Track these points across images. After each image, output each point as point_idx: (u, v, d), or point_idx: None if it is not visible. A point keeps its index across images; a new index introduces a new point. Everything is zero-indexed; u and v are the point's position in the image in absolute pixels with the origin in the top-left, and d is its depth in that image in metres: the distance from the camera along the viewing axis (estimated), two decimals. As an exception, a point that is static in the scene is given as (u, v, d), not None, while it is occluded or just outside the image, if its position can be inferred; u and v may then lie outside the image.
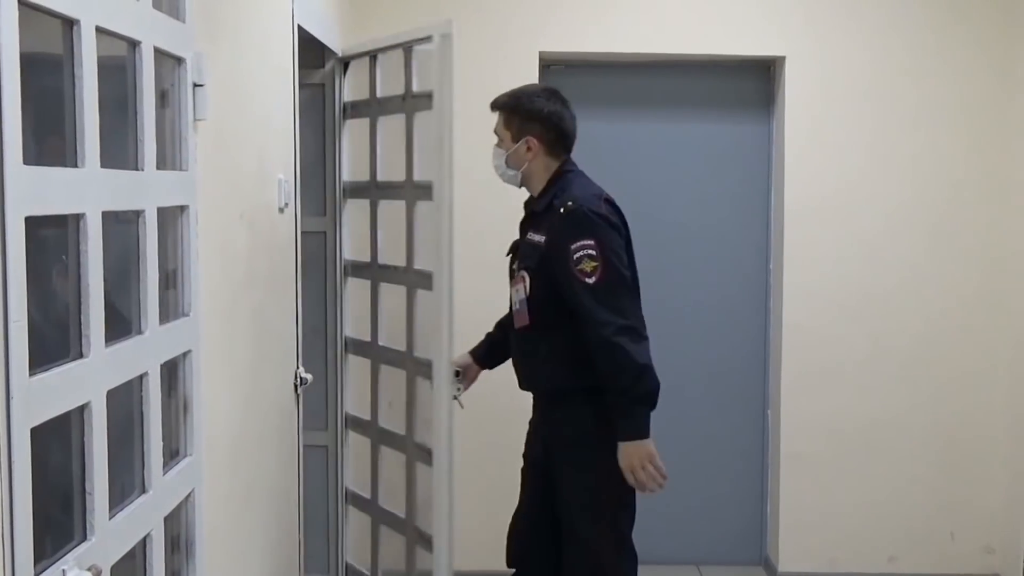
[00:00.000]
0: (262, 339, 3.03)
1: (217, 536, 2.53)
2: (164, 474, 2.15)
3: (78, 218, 1.76)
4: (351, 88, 4.15)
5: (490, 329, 3.71)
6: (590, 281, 3.12)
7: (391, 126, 3.95)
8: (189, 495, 2.31)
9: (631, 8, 4.70)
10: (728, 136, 4.97)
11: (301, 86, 3.56)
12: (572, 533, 3.35)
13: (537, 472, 3.44)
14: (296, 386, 3.46)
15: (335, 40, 4.05)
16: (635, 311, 3.22)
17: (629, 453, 3.16)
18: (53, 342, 1.81)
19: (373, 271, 4.04)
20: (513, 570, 3.55)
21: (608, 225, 3.20)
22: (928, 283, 4.78)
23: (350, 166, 4.16)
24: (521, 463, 3.55)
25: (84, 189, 1.77)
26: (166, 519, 2.18)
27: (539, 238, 3.26)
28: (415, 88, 3.72)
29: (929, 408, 4.81)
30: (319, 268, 4.09)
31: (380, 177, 3.99)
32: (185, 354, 2.29)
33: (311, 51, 3.89)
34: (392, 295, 3.97)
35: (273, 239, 3.17)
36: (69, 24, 1.74)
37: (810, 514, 4.83)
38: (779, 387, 4.83)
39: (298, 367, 3.48)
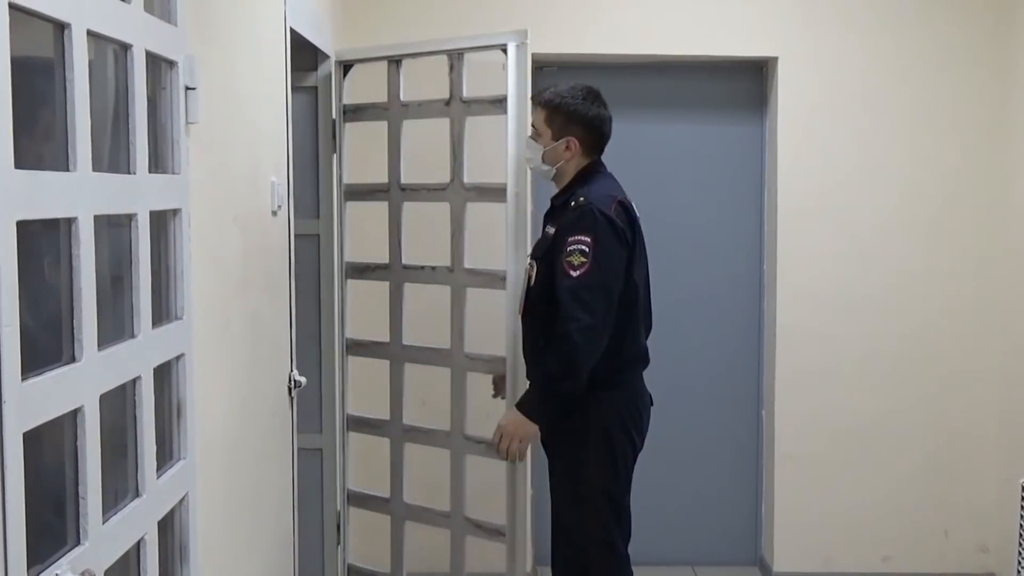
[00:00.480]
0: (256, 342, 3.03)
1: (211, 540, 2.52)
2: (158, 478, 2.15)
3: (70, 222, 1.76)
4: (351, 91, 4.15)
5: None
6: (573, 275, 3.20)
7: (418, 129, 4.03)
8: (183, 499, 2.30)
9: (624, 9, 4.70)
10: (721, 137, 4.98)
11: (294, 89, 3.56)
12: (560, 523, 3.45)
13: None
14: (290, 389, 3.46)
15: (328, 43, 4.05)
16: (606, 318, 3.25)
17: (516, 422, 3.33)
18: (46, 346, 1.81)
19: (395, 272, 4.07)
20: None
21: (611, 227, 3.25)
22: (921, 283, 4.79)
23: (350, 169, 4.17)
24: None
25: (76, 193, 1.77)
26: (160, 523, 2.17)
27: (551, 230, 3.36)
28: (465, 93, 3.81)
29: (923, 407, 4.82)
30: (312, 271, 4.08)
31: (404, 179, 4.02)
32: (178, 357, 2.28)
33: (304, 54, 3.89)
34: (416, 295, 4.08)
35: (266, 242, 3.17)
36: (60, 27, 1.73)
37: (805, 514, 4.84)
38: (773, 387, 4.83)
39: (292, 370, 3.48)
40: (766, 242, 4.93)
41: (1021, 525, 3.83)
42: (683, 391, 4.83)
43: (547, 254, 3.34)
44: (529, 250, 3.63)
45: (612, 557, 3.43)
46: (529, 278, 3.43)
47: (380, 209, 4.15)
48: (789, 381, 4.81)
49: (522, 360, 3.61)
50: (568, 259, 3.21)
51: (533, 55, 4.59)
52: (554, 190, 3.56)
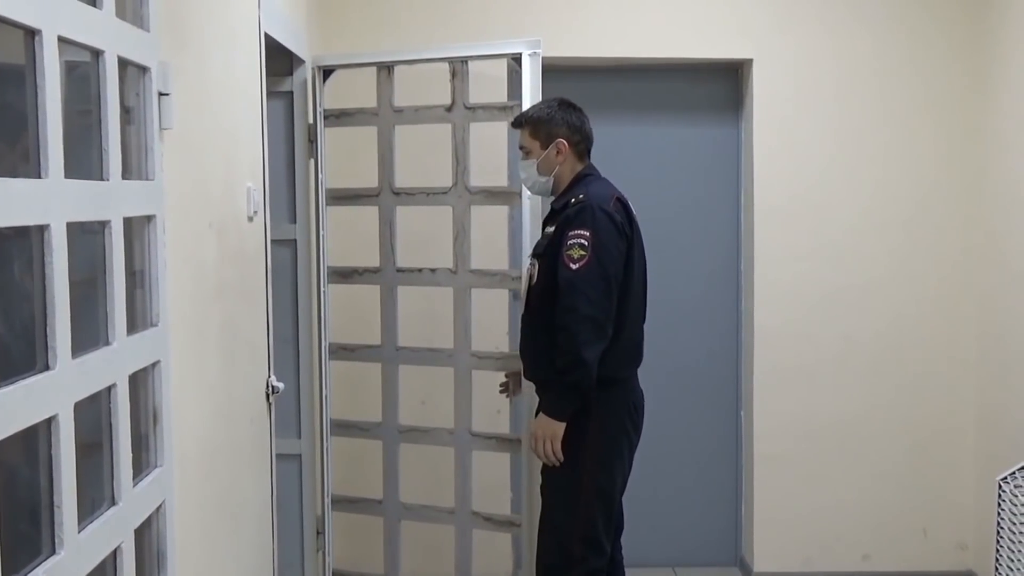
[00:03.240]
0: (233, 348, 3.01)
1: (189, 547, 2.51)
2: (134, 486, 2.14)
3: (42, 229, 1.75)
4: (330, 96, 4.16)
5: None
6: (573, 267, 3.30)
7: (411, 134, 4.11)
8: (160, 507, 2.29)
9: (601, 13, 4.72)
10: (698, 138, 5.00)
11: (269, 94, 3.55)
12: (546, 517, 3.51)
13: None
14: (268, 395, 3.45)
15: (303, 48, 4.04)
16: (606, 308, 3.33)
17: (543, 425, 3.39)
18: (19, 355, 1.79)
19: (387, 275, 4.12)
20: None
21: (610, 222, 3.37)
22: (897, 282, 4.82)
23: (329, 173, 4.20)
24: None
25: (48, 200, 1.76)
26: (137, 531, 2.16)
27: (550, 229, 3.47)
28: (470, 100, 3.92)
29: (900, 406, 4.85)
30: (289, 276, 4.08)
31: (398, 183, 4.08)
32: (154, 364, 2.27)
33: (279, 59, 3.88)
34: (408, 296, 4.17)
35: (242, 248, 3.16)
36: (31, 34, 1.72)
37: (785, 514, 4.85)
38: (752, 387, 4.85)
39: (270, 375, 3.47)
40: (743, 242, 4.95)
41: (999, 522, 3.85)
42: (662, 392, 4.83)
43: (547, 252, 3.43)
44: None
45: (595, 554, 3.46)
46: (531, 277, 3.53)
47: (360, 213, 4.17)
48: (767, 381, 4.83)
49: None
50: (568, 252, 3.32)
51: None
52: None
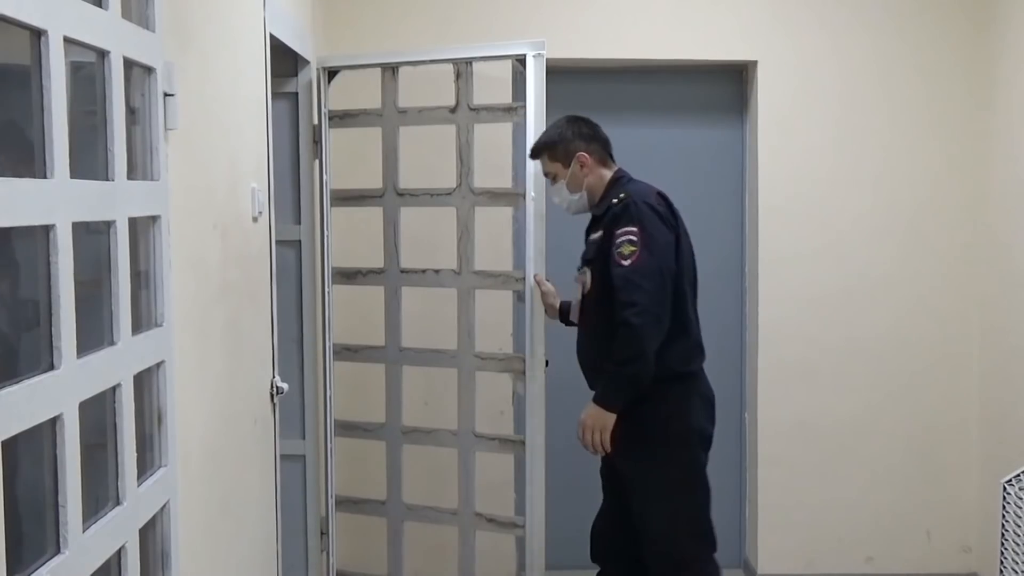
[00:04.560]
0: (237, 348, 3.02)
1: (193, 547, 2.51)
2: (138, 486, 2.14)
3: (48, 229, 1.75)
4: (335, 97, 4.16)
5: None
6: (625, 264, 3.31)
7: (415, 135, 4.12)
8: (164, 506, 2.29)
9: (605, 15, 4.72)
10: (702, 139, 5.00)
11: (274, 95, 3.56)
12: (650, 526, 3.49)
13: (610, 470, 3.62)
14: (272, 395, 3.45)
15: (308, 49, 4.05)
16: (662, 300, 3.35)
17: (593, 415, 3.38)
18: (24, 354, 1.80)
19: (391, 276, 4.13)
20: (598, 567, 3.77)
21: (656, 216, 3.39)
22: (900, 283, 4.82)
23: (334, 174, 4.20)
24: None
25: (53, 200, 1.76)
26: (141, 531, 2.16)
27: (597, 235, 3.48)
28: (474, 101, 3.95)
29: (904, 408, 4.85)
30: (294, 277, 4.08)
31: (403, 184, 4.10)
32: (158, 364, 2.27)
33: (284, 60, 3.88)
34: (411, 298, 4.19)
35: (247, 248, 3.16)
36: (37, 34, 1.73)
37: (788, 516, 4.85)
38: (756, 389, 4.85)
39: (274, 376, 3.47)
40: (747, 243, 4.95)
41: (1004, 525, 3.84)
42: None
43: (597, 257, 3.44)
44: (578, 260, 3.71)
45: (706, 548, 3.53)
46: (583, 284, 3.53)
47: (364, 214, 4.18)
48: (771, 383, 4.83)
49: (541, 353, 3.86)
50: (619, 251, 3.33)
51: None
52: None
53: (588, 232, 3.63)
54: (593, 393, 3.46)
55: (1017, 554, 3.75)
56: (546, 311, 3.88)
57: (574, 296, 3.64)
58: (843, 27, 4.75)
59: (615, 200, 3.44)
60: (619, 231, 3.36)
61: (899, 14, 4.75)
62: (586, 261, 3.54)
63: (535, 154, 3.68)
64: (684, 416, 3.46)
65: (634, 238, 3.32)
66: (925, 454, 4.86)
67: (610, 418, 3.37)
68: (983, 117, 4.72)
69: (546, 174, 3.67)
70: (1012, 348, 4.51)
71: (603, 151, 3.63)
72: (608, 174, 3.61)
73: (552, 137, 3.61)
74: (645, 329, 3.28)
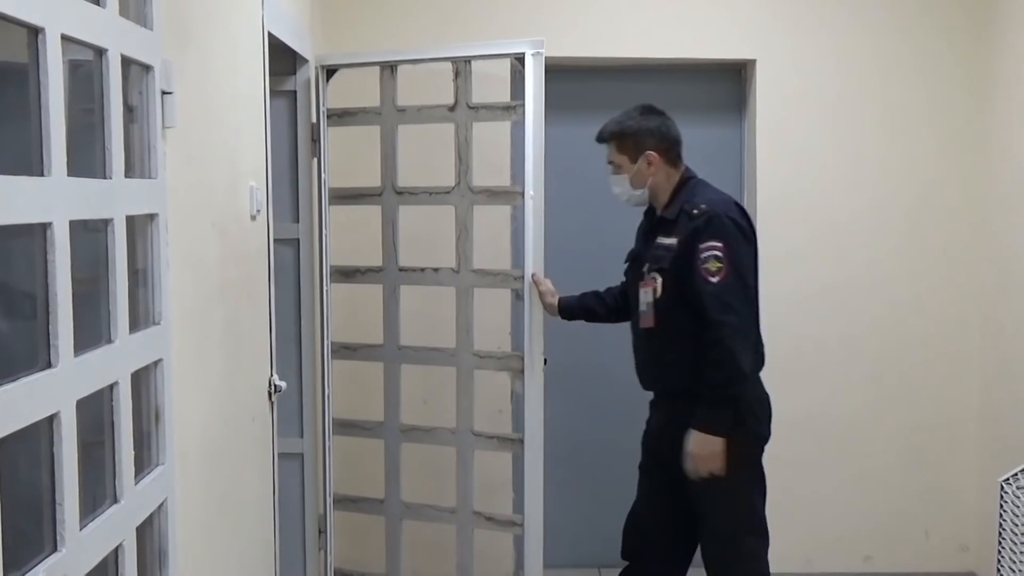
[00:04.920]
0: (235, 346, 3.02)
1: (191, 546, 2.51)
2: (136, 484, 2.14)
3: (45, 227, 1.75)
4: (334, 96, 4.16)
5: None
6: (713, 280, 3.29)
7: (413, 133, 4.11)
8: (162, 505, 2.29)
9: (604, 13, 4.72)
10: (701, 138, 4.96)
11: (272, 93, 3.56)
12: (710, 524, 3.51)
13: (662, 470, 3.57)
14: (270, 394, 3.45)
15: (307, 48, 4.05)
16: (750, 316, 3.41)
17: (700, 444, 3.33)
18: (21, 352, 1.80)
19: (390, 274, 4.13)
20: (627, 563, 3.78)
21: (739, 232, 3.38)
22: (899, 281, 4.82)
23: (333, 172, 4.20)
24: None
25: (51, 198, 1.76)
26: (138, 529, 2.16)
27: (671, 241, 3.42)
28: (473, 99, 3.93)
29: (902, 406, 4.85)
30: (292, 275, 4.08)
31: (401, 183, 4.09)
32: (156, 363, 2.27)
33: (282, 58, 3.88)
34: (410, 296, 4.18)
35: (245, 246, 3.16)
36: (34, 32, 1.73)
37: (785, 515, 4.84)
38: (754, 388, 4.84)
39: (272, 374, 3.47)
40: (746, 243, 4.95)
41: (1001, 524, 3.85)
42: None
43: (674, 265, 3.38)
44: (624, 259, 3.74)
45: (763, 540, 3.56)
46: (654, 290, 3.45)
47: (363, 213, 4.18)
48: (769, 381, 4.79)
49: (540, 352, 3.85)
50: (705, 266, 3.30)
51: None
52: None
53: (650, 232, 3.57)
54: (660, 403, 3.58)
55: (1015, 552, 3.75)
56: (545, 309, 3.88)
57: (640, 299, 3.51)
58: (842, 26, 4.75)
59: (695, 211, 3.38)
60: (703, 245, 3.32)
61: (898, 13, 4.75)
62: (660, 268, 3.44)
63: (601, 139, 3.57)
64: (750, 419, 3.47)
65: (720, 254, 3.30)
66: (923, 453, 4.87)
67: (718, 443, 3.33)
68: (982, 116, 4.73)
69: (610, 162, 3.57)
70: (1010, 346, 4.51)
71: (674, 150, 3.54)
72: (676, 174, 3.54)
73: (625, 128, 3.52)
74: (738, 349, 3.30)
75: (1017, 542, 3.74)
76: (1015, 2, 4.48)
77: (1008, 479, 3.83)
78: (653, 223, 3.58)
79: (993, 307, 4.68)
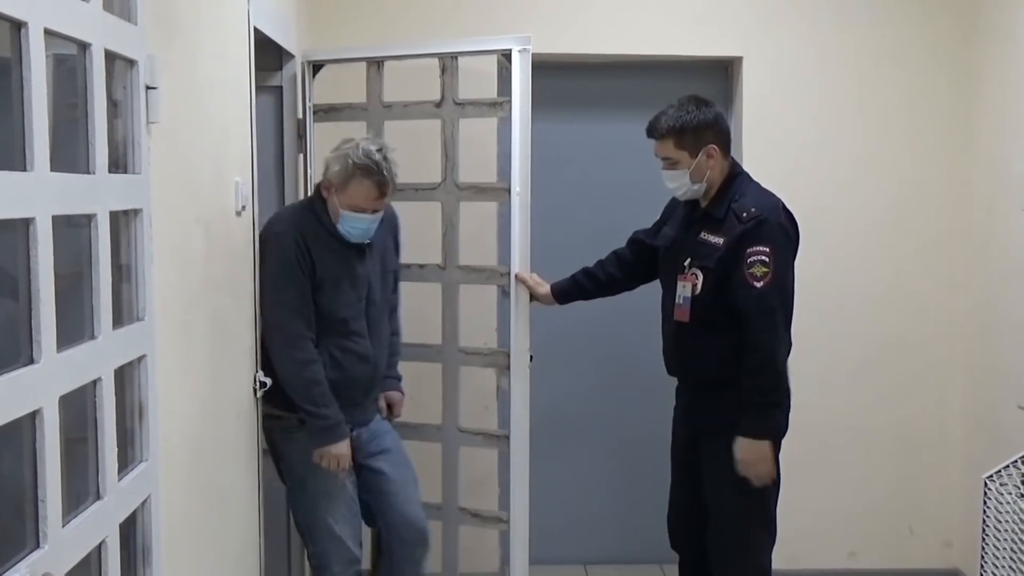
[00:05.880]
0: (220, 343, 3.01)
1: (175, 542, 2.51)
2: (119, 480, 2.14)
3: (28, 222, 1.74)
4: (320, 91, 4.15)
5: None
6: (758, 285, 3.34)
7: (400, 129, 4.11)
8: (145, 501, 2.29)
9: (592, 10, 4.72)
10: (687, 136, 4.99)
11: (258, 89, 3.54)
12: (721, 510, 3.56)
13: (683, 458, 3.70)
14: (255, 390, 3.44)
15: (293, 43, 4.04)
16: (789, 321, 3.46)
17: (748, 449, 3.41)
18: (3, 348, 1.79)
19: None
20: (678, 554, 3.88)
21: (786, 237, 3.44)
22: (883, 279, 4.83)
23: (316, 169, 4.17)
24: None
25: (33, 193, 1.75)
26: (122, 526, 2.16)
27: (716, 240, 3.45)
28: (459, 96, 3.93)
29: (886, 405, 4.87)
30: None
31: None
32: (140, 359, 2.27)
33: (268, 54, 3.87)
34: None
35: (230, 242, 3.15)
36: (17, 26, 1.72)
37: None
38: (740, 386, 4.85)
39: (257, 371, 3.46)
40: (732, 241, 4.95)
41: (985, 520, 3.86)
42: (653, 394, 4.83)
43: (720, 265, 3.41)
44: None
45: (773, 534, 3.62)
46: (693, 287, 3.48)
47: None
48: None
49: (526, 348, 3.84)
50: (751, 271, 3.34)
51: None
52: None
53: (690, 225, 3.57)
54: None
55: (998, 548, 3.77)
56: (540, 300, 3.87)
57: (678, 292, 3.53)
58: (827, 24, 4.76)
59: (745, 214, 3.40)
60: (751, 249, 3.35)
61: (882, 10, 4.76)
62: (701, 265, 3.46)
63: (659, 135, 3.52)
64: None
65: (766, 259, 3.34)
66: (907, 450, 4.88)
67: (766, 447, 3.41)
68: (965, 111, 4.74)
69: (666, 158, 3.53)
70: (994, 345, 4.53)
71: (728, 141, 3.55)
72: (726, 167, 3.54)
73: (686, 122, 3.47)
74: (780, 354, 3.39)
75: (1000, 538, 3.76)
76: (996, 1, 4.49)
77: (992, 475, 3.85)
78: (695, 216, 3.58)
79: (976, 304, 4.70)
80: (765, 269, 3.34)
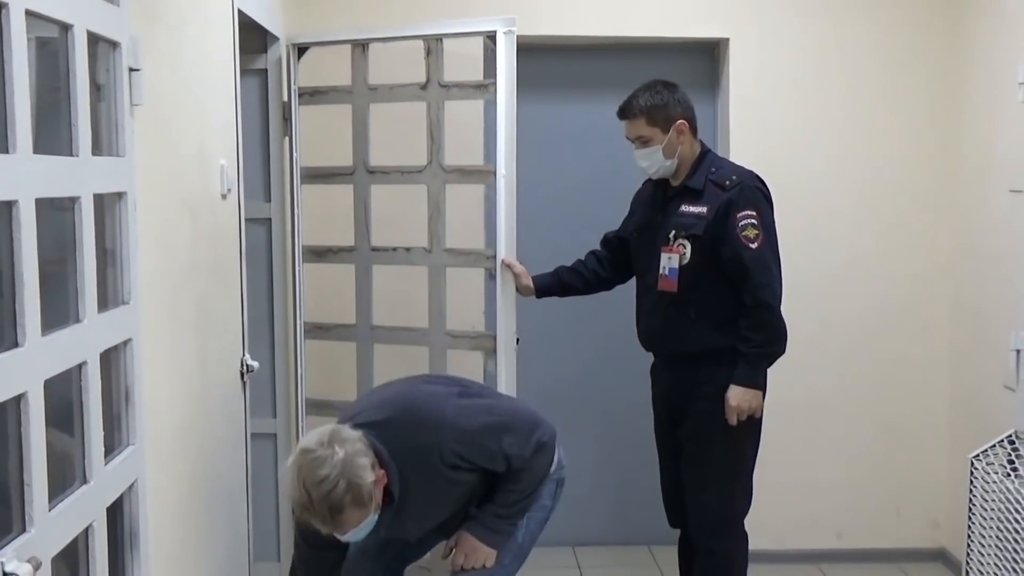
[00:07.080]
0: (206, 326, 3.00)
1: (163, 526, 2.51)
2: (106, 464, 2.13)
3: (10, 205, 1.73)
4: (305, 74, 4.13)
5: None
6: (753, 247, 3.51)
7: (385, 112, 4.09)
8: (132, 485, 2.28)
9: (578, -8, 4.70)
10: (674, 118, 4.98)
11: (243, 72, 3.53)
12: (705, 487, 3.66)
13: (668, 435, 3.82)
14: (242, 374, 3.44)
15: (278, 26, 4.02)
16: (780, 277, 3.61)
17: (741, 396, 3.55)
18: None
19: (362, 254, 4.11)
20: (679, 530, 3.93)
21: (767, 201, 3.62)
22: (872, 263, 4.84)
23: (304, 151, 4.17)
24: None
25: (16, 175, 1.74)
26: (109, 510, 2.15)
27: (700, 209, 3.58)
28: (445, 78, 3.90)
29: (874, 386, 4.88)
30: (264, 255, 4.06)
31: (373, 162, 4.07)
32: (126, 342, 2.26)
33: (253, 36, 3.85)
34: (382, 276, 4.16)
35: (216, 226, 3.14)
36: (-2, 8, 1.71)
37: (758, 493, 4.84)
38: (727, 367, 4.86)
39: (244, 354, 3.46)
40: (719, 223, 4.95)
41: (971, 500, 3.88)
42: (641, 375, 4.84)
43: (707, 231, 3.53)
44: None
45: (749, 500, 3.78)
46: (681, 256, 3.58)
47: (335, 192, 4.16)
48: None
49: (512, 331, 3.84)
50: (743, 234, 3.50)
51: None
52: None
53: (665, 201, 3.67)
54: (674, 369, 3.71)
55: (984, 528, 3.79)
56: (520, 291, 3.88)
57: (662, 264, 3.62)
58: (813, 6, 4.75)
59: (727, 182, 3.55)
60: (740, 214, 3.51)
61: (869, -7, 4.77)
62: (688, 234, 3.56)
63: (630, 115, 3.63)
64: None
65: (755, 221, 3.51)
66: (894, 431, 4.90)
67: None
68: (954, 95, 4.74)
69: (638, 137, 3.63)
70: (981, 326, 4.54)
71: (694, 119, 3.67)
72: (697, 145, 3.67)
73: (656, 101, 3.61)
74: (777, 308, 3.55)
75: (987, 517, 3.78)
76: (986, -19, 4.50)
77: (978, 455, 3.87)
78: (670, 193, 3.68)
79: (964, 287, 4.71)
80: (756, 231, 3.51)
